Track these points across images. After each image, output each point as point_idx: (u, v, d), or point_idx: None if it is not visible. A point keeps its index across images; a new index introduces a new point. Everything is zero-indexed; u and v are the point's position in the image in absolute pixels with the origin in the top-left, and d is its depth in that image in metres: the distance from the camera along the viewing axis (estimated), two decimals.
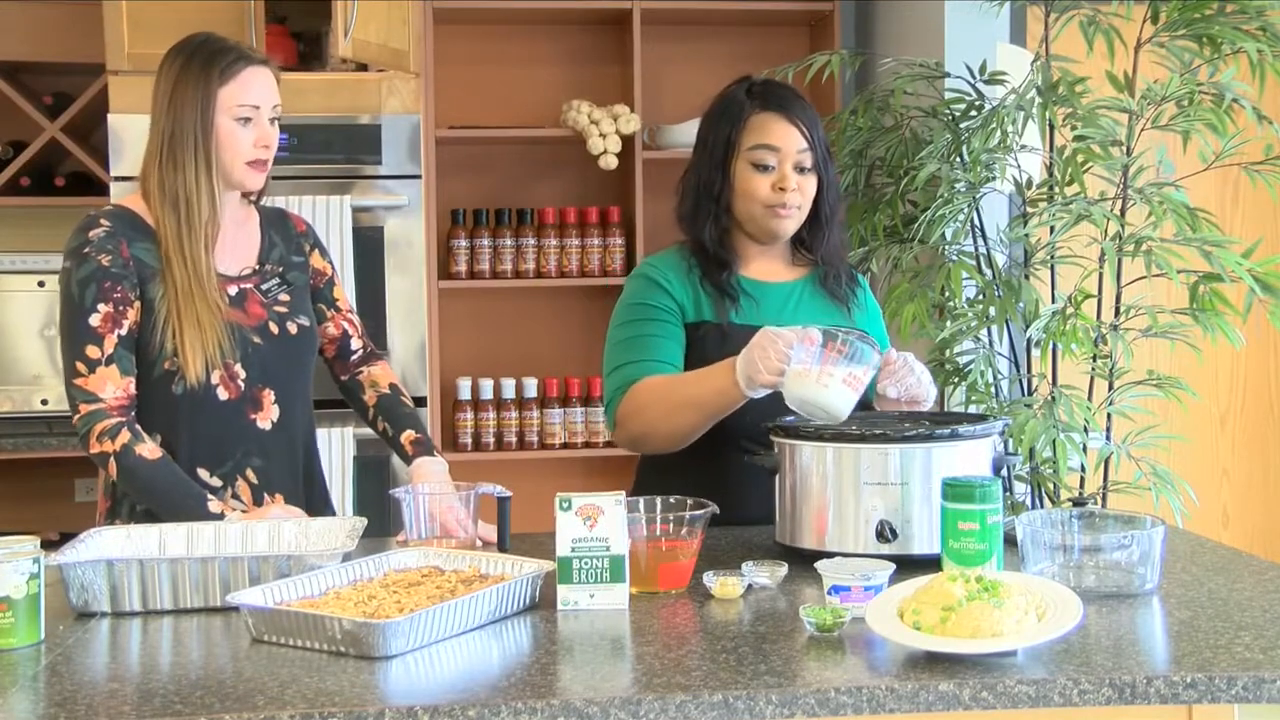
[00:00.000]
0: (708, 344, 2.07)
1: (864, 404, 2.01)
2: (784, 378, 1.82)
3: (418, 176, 3.29)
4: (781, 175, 2.06)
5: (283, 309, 2.08)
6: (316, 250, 2.19)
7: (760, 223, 2.10)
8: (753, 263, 2.15)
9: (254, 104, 2.00)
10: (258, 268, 2.10)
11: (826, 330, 1.83)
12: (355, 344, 2.21)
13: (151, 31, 3.10)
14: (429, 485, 1.95)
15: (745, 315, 2.09)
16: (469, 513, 1.89)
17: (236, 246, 2.08)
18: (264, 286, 2.08)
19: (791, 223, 2.10)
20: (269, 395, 2.04)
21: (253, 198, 2.13)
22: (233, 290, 2.04)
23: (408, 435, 2.12)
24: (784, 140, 2.06)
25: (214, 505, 1.92)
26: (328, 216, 3.16)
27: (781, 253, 2.17)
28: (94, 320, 1.94)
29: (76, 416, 1.95)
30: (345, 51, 3.03)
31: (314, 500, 2.12)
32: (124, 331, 1.96)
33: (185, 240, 1.97)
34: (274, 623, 1.47)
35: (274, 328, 2.05)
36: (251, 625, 1.49)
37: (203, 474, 2.00)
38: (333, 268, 2.22)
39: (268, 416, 2.04)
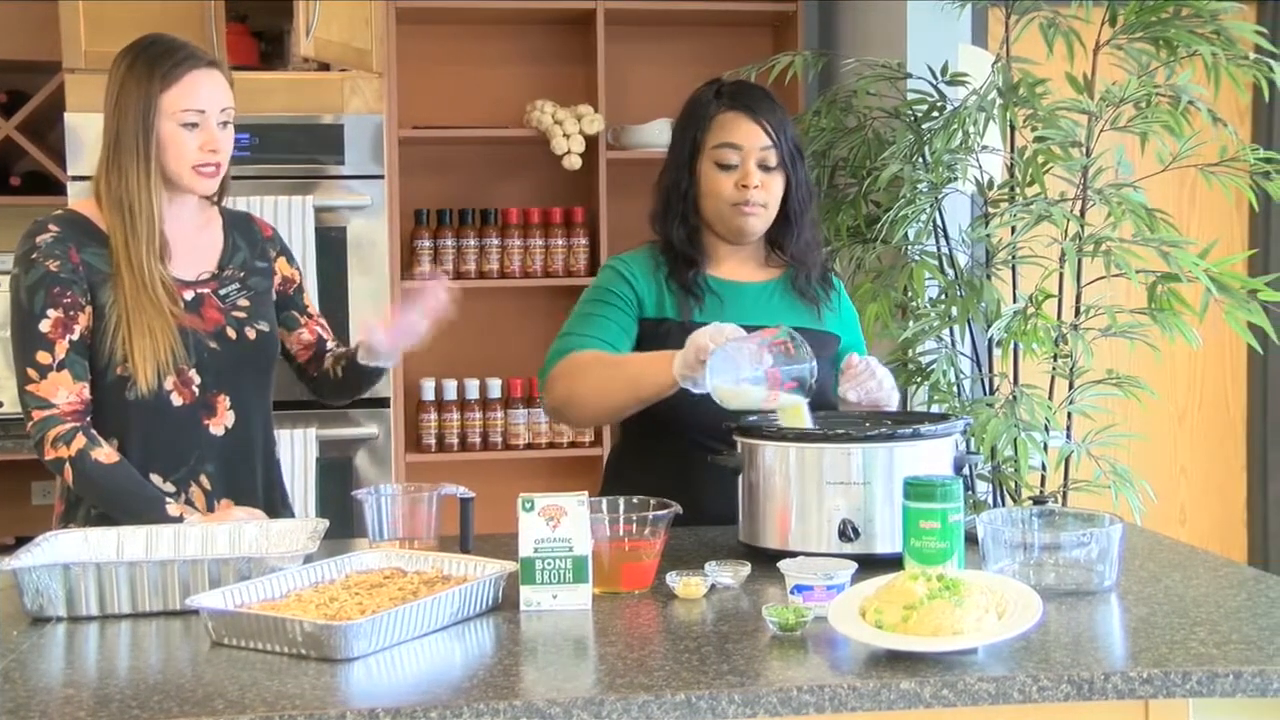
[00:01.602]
0: (669, 342, 2.06)
1: (828, 405, 2.02)
2: (711, 361, 1.78)
3: (381, 176, 3.28)
4: (744, 173, 2.07)
5: (241, 314, 2.06)
6: (283, 257, 2.18)
7: (727, 221, 2.10)
8: (724, 263, 2.16)
9: (198, 108, 1.97)
10: (217, 272, 2.07)
11: (789, 337, 1.82)
12: (330, 345, 2.22)
13: (108, 29, 3.07)
14: (393, 486, 1.94)
15: (709, 315, 2.09)
16: (431, 514, 1.88)
17: (195, 250, 2.06)
18: (222, 291, 2.06)
19: (757, 221, 2.10)
20: (224, 401, 2.03)
21: (213, 200, 2.11)
22: (189, 295, 2.02)
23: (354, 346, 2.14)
24: (746, 138, 2.07)
25: (173, 508, 1.90)
26: (290, 217, 3.14)
27: (754, 253, 2.17)
28: (44, 326, 1.92)
29: (30, 423, 1.92)
30: (307, 51, 3.01)
31: (273, 506, 2.10)
32: (75, 337, 1.94)
33: (132, 246, 1.95)
34: (234, 625, 1.46)
35: (231, 333, 2.04)
36: (211, 628, 1.48)
37: (156, 480, 1.99)
38: (300, 274, 2.21)
39: (221, 422, 2.03)
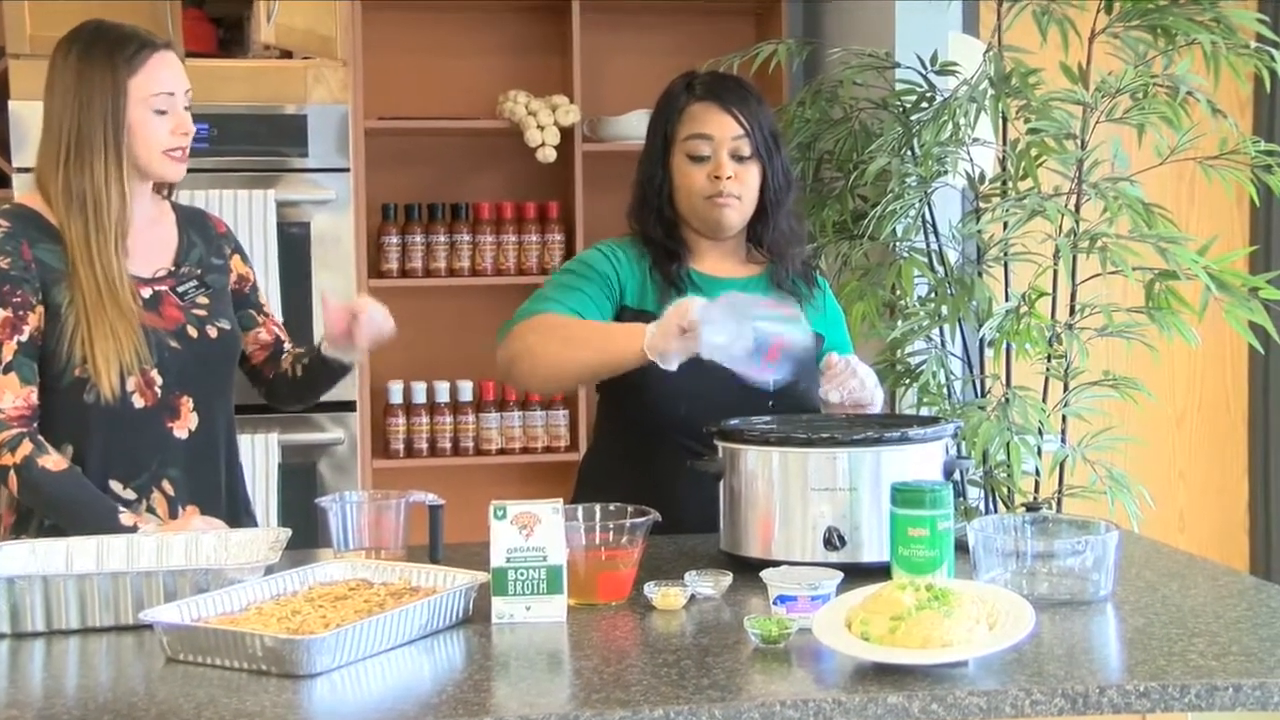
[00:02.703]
0: None
1: (811, 408, 2.03)
2: (707, 313, 1.79)
3: (346, 169, 3.27)
4: (717, 164, 2.09)
5: (202, 312, 2.06)
6: (238, 255, 2.18)
7: (701, 215, 2.12)
8: (705, 258, 2.17)
9: (168, 91, 1.98)
10: (173, 269, 2.07)
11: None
12: (287, 346, 2.22)
13: (55, 13, 3.04)
14: (358, 494, 1.94)
15: None
16: (399, 522, 1.88)
17: (150, 246, 2.05)
18: (180, 289, 2.06)
19: (732, 213, 2.11)
20: (187, 403, 2.02)
21: (165, 193, 2.10)
22: (146, 293, 2.01)
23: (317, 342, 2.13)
24: (718, 128, 2.09)
25: (126, 518, 1.89)
26: (250, 212, 3.13)
27: (734, 249, 2.18)
28: None
29: None
30: (268, 37, 3.01)
31: (236, 513, 2.09)
32: (24, 338, 1.92)
33: (95, 243, 1.94)
34: (190, 641, 1.45)
35: (193, 331, 2.03)
36: (166, 644, 1.47)
37: (116, 486, 1.97)
38: (254, 273, 2.21)
39: (185, 425, 2.02)
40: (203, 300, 2.07)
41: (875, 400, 2.03)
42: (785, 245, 2.16)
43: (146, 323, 1.98)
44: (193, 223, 2.14)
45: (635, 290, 2.12)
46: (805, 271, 2.22)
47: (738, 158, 2.09)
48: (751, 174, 2.10)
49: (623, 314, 2.11)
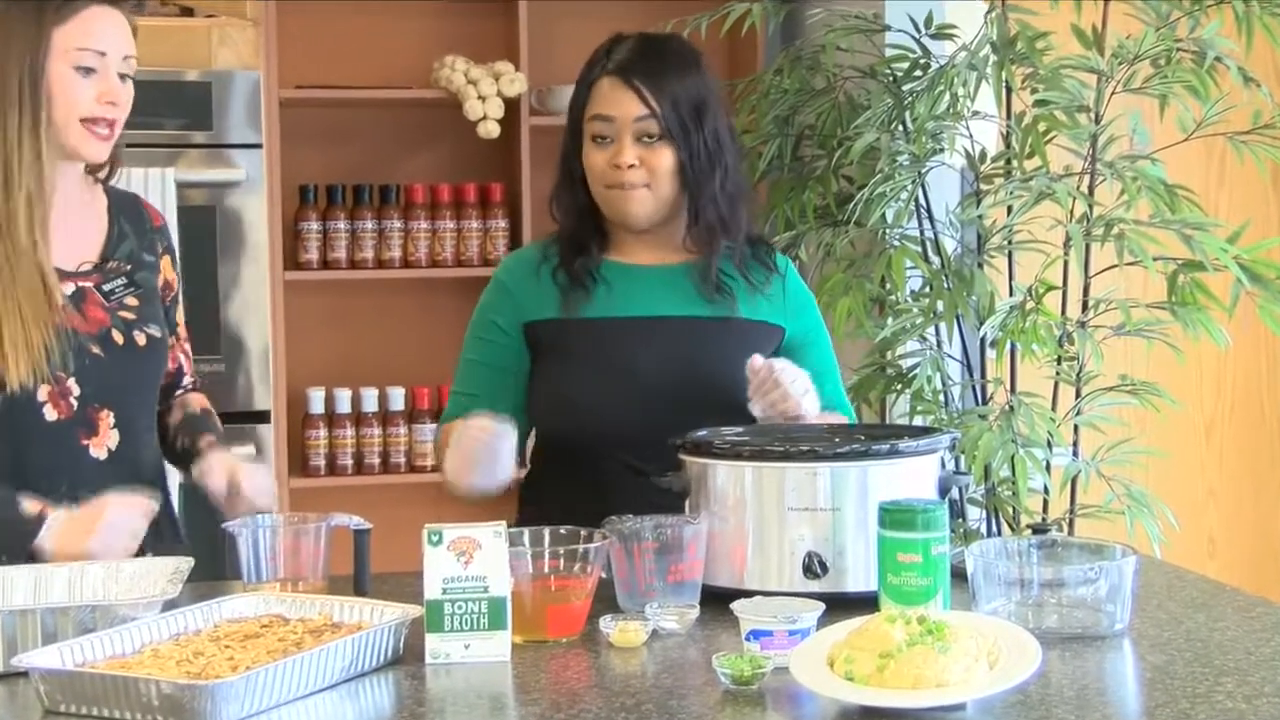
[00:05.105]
0: (558, 342, 2.14)
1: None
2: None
3: (258, 146, 3.26)
4: (616, 149, 2.10)
5: (129, 315, 2.04)
6: (169, 256, 2.17)
7: (607, 205, 2.14)
8: (628, 244, 2.19)
9: (99, 49, 1.96)
10: (99, 263, 2.05)
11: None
12: (187, 380, 2.21)
13: None
14: (272, 516, 1.93)
15: (598, 305, 2.13)
16: (319, 549, 1.87)
17: (76, 234, 2.03)
18: (107, 287, 2.04)
19: (637, 205, 2.11)
20: (107, 418, 2.00)
21: (101, 174, 2.09)
22: (69, 288, 1.99)
23: (207, 439, 2.11)
24: (618, 108, 2.10)
25: (30, 505, 1.86)
26: (146, 194, 3.08)
27: (665, 235, 2.17)
28: None
29: None
30: None
31: (165, 541, 2.06)
32: None
33: (2, 211, 1.92)
34: (73, 688, 1.44)
35: (118, 337, 2.01)
36: (44, 693, 1.46)
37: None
38: (179, 281, 2.19)
39: (103, 443, 2.00)
40: (131, 301, 2.05)
41: (807, 409, 2.00)
42: (712, 236, 2.14)
43: (66, 323, 1.96)
44: (125, 210, 2.12)
45: (533, 304, 2.15)
46: (759, 254, 2.20)
47: (644, 140, 2.09)
48: (662, 157, 2.09)
49: (531, 331, 2.15)
